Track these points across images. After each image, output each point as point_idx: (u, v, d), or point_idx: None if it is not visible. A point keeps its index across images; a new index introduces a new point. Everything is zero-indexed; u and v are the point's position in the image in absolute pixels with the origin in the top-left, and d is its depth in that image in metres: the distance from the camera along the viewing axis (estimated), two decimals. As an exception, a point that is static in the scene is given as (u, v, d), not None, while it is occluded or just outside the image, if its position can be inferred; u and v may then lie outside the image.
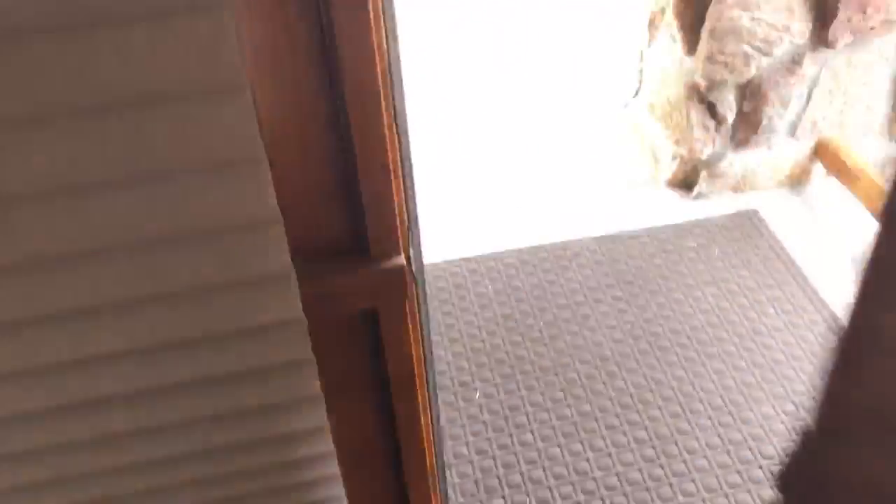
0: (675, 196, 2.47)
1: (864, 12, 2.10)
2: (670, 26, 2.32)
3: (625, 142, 2.72)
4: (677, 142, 2.40)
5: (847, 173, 2.28)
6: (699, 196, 2.43)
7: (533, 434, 1.83)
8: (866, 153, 2.40)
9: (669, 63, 2.37)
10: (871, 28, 2.15)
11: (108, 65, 0.56)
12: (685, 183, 2.46)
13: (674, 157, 2.43)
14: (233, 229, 0.65)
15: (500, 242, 2.34)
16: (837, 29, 2.12)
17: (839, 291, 2.13)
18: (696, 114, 2.29)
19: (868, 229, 2.27)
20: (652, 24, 2.46)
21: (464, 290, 2.19)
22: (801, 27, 2.13)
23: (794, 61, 2.19)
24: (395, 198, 0.70)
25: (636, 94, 2.67)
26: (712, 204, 2.42)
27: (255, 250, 0.67)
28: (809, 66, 2.21)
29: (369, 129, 0.63)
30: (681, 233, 2.34)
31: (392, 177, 0.68)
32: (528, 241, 2.35)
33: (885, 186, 2.17)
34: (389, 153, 0.66)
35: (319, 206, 0.70)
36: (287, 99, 0.63)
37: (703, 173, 2.38)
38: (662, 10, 2.38)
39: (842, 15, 2.10)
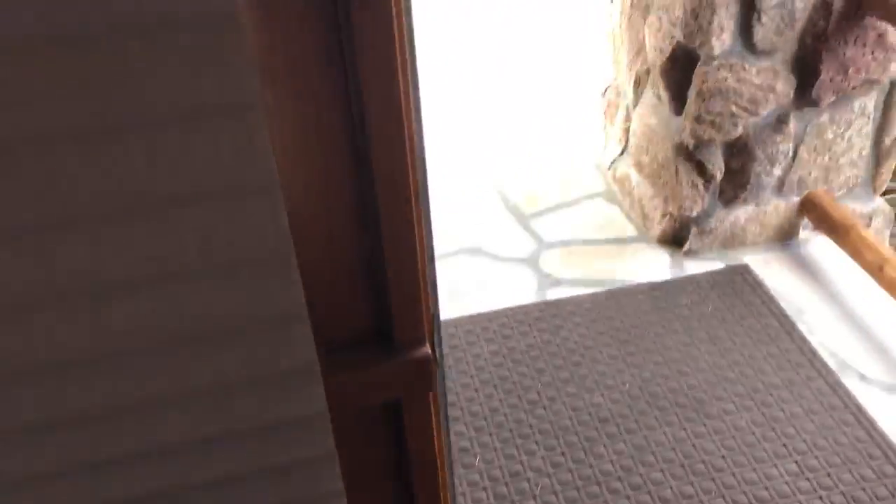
0: (665, 252, 2.48)
1: (846, 73, 2.15)
2: (656, 86, 2.36)
3: (613, 198, 2.75)
4: (666, 199, 2.42)
5: (835, 228, 2.31)
6: (690, 253, 2.44)
7: (535, 500, 1.80)
8: (852, 207, 2.44)
9: (656, 122, 2.40)
10: (853, 88, 2.20)
11: (136, 169, 0.55)
12: (675, 239, 2.47)
13: (663, 215, 2.45)
14: (258, 326, 0.64)
15: (493, 301, 2.33)
16: (821, 89, 2.17)
17: (834, 346, 2.14)
18: (685, 172, 2.32)
19: (857, 282, 2.29)
20: (638, 84, 2.50)
21: (460, 352, 2.17)
22: (785, 87, 2.18)
23: (780, 120, 2.23)
24: (421, 285, 0.69)
25: (623, 152, 2.70)
26: (703, 260, 2.44)
27: (280, 346, 0.65)
28: (795, 124, 2.26)
29: (399, 221, 0.62)
30: (673, 290, 2.35)
31: (419, 266, 0.67)
32: (521, 299, 2.35)
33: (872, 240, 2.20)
34: (417, 241, 0.65)
35: (345, 296, 0.69)
36: (315, 192, 0.62)
37: (693, 230, 2.40)
38: (647, 71, 2.42)
39: (824, 75, 2.15)
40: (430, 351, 0.71)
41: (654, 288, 2.36)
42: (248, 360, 0.66)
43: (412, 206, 0.60)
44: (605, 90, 2.81)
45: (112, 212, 0.57)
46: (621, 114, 2.67)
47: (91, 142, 0.54)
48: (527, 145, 3.08)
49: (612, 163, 2.80)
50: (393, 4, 0.55)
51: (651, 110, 2.43)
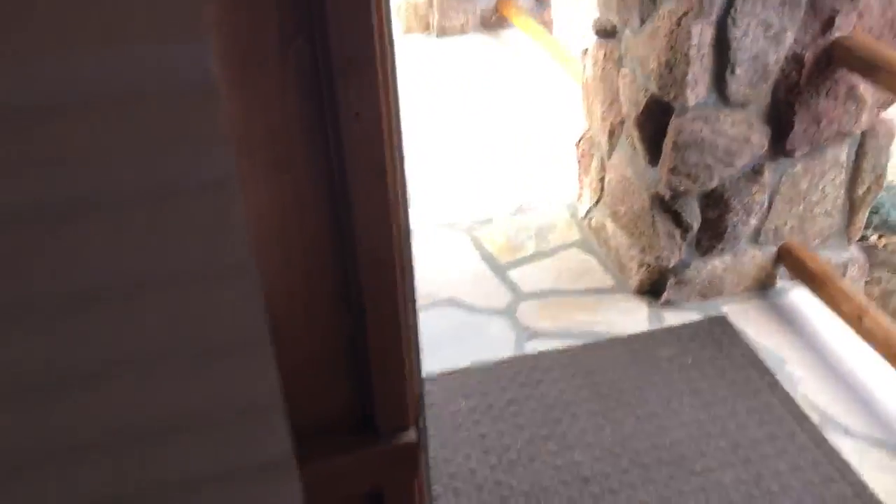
0: (643, 303, 2.46)
1: (819, 124, 2.17)
2: (631, 137, 2.36)
3: (590, 248, 2.72)
4: (643, 250, 2.40)
5: (812, 278, 2.30)
6: (668, 303, 2.42)
7: (517, 567, 1.72)
8: (828, 256, 2.44)
9: (632, 173, 2.40)
10: (826, 139, 2.21)
11: (102, 250, 0.50)
12: (653, 290, 2.45)
13: (640, 265, 2.43)
14: (230, 416, 0.59)
15: (471, 355, 2.28)
16: (795, 140, 2.18)
17: (816, 399, 2.11)
18: (662, 223, 2.30)
19: (837, 332, 2.28)
20: (612, 134, 2.50)
21: (436, 409, 2.11)
22: (759, 138, 2.18)
23: (755, 171, 2.23)
24: (407, 368, 0.64)
25: (598, 201, 2.69)
26: (682, 311, 2.41)
27: (254, 437, 0.60)
28: (769, 175, 2.26)
29: (384, 301, 0.57)
30: (652, 341, 2.32)
31: (405, 348, 0.62)
32: (499, 352, 2.30)
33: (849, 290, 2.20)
34: (403, 321, 0.61)
35: (325, 379, 0.64)
36: (294, 269, 0.57)
37: (671, 280, 2.38)
38: (622, 122, 2.42)
39: (798, 127, 2.15)
40: (415, 436, 0.66)
41: (633, 340, 2.32)
42: (219, 452, 0.60)
43: (398, 286, 0.56)
44: (580, 140, 2.80)
45: (74, 295, 0.51)
46: (596, 164, 2.67)
47: (54, 220, 0.49)
48: (502, 194, 3.06)
49: (587, 212, 2.79)
50: (379, 70, 0.51)
51: (626, 161, 2.43)
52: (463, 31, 4.38)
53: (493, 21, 4.39)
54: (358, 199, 0.52)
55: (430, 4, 4.36)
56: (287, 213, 0.54)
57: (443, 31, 4.36)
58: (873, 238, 3.15)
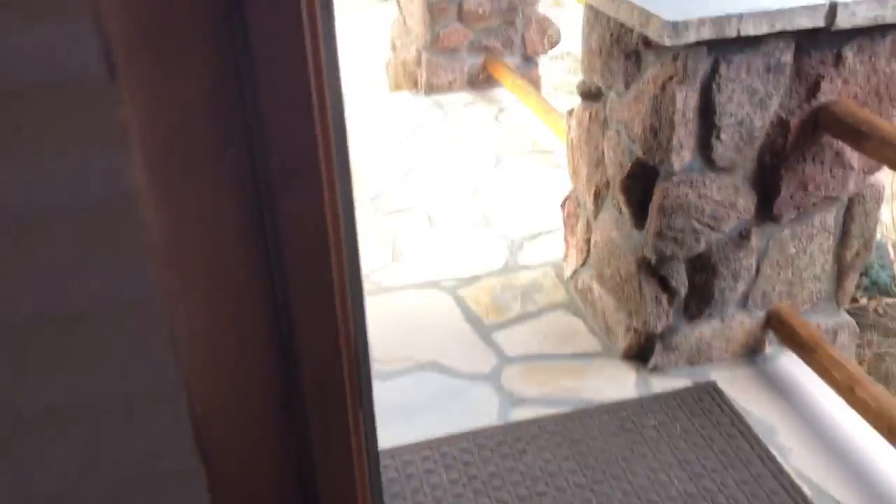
0: (631, 369, 2.40)
1: (806, 190, 2.14)
2: (616, 200, 2.33)
3: (576, 310, 2.67)
4: (630, 314, 2.36)
5: (801, 344, 2.26)
6: (655, 369, 2.36)
7: None
8: (817, 322, 2.39)
9: (617, 235, 2.36)
10: (813, 204, 2.19)
11: (11, 378, 0.45)
12: (640, 355, 2.40)
13: (627, 330, 2.38)
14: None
15: (453, 423, 2.21)
16: (781, 205, 2.15)
17: (808, 471, 2.05)
18: (648, 287, 2.26)
19: (828, 401, 2.22)
20: (597, 196, 2.47)
21: (416, 481, 2.03)
22: (746, 203, 2.16)
23: (742, 235, 2.20)
24: (359, 487, 0.58)
25: (584, 263, 2.65)
26: (669, 377, 2.36)
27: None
28: (757, 240, 2.23)
29: (333, 426, 0.52)
30: (640, 409, 2.25)
31: (356, 465, 0.57)
32: (482, 420, 2.23)
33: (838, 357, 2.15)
34: (353, 440, 0.55)
35: None
36: (232, 392, 0.52)
37: (658, 346, 2.33)
38: (607, 184, 2.39)
39: (784, 192, 2.13)
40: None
41: (620, 408, 2.26)
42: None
43: (348, 410, 0.51)
44: (565, 200, 2.78)
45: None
46: (582, 225, 2.64)
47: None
48: (488, 252, 3.02)
49: (573, 273, 2.75)
50: (324, 177, 0.46)
51: (612, 223, 2.40)
52: (451, 88, 4.39)
53: (481, 79, 4.41)
54: (302, 316, 0.47)
55: (419, 62, 4.38)
56: (224, 332, 0.49)
57: (431, 89, 4.38)
58: (863, 300, 3.12)
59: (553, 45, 4.44)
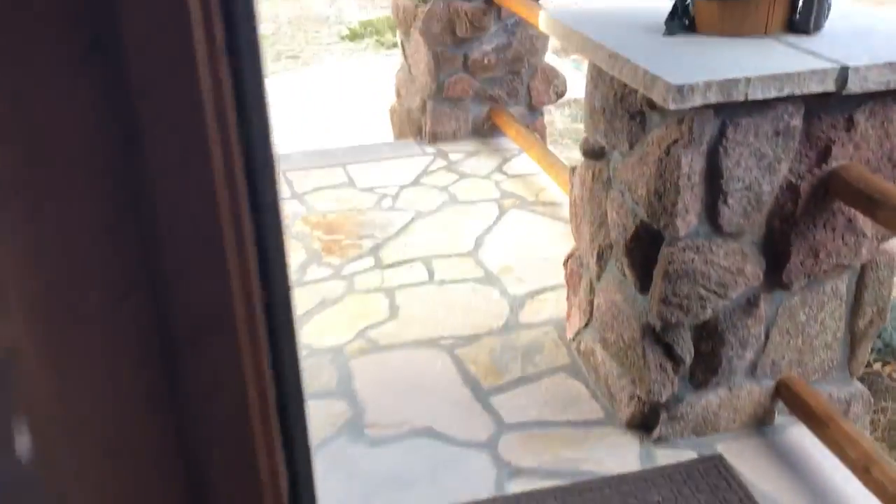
0: (634, 438, 2.30)
1: (816, 257, 2.06)
2: (620, 263, 2.25)
3: (578, 373, 2.58)
4: (634, 382, 2.26)
5: (812, 417, 2.15)
6: (660, 439, 2.26)
7: None
8: (829, 391, 2.29)
9: (621, 299, 2.28)
10: (824, 271, 2.10)
11: None
12: (644, 424, 2.30)
13: (631, 398, 2.29)
14: None
15: (446, 495, 2.11)
16: (791, 272, 2.07)
17: (821, 556, 1.93)
18: (653, 355, 2.17)
19: (841, 477, 2.11)
20: (601, 257, 2.39)
21: (406, 560, 1.93)
22: (754, 269, 2.08)
23: (750, 302, 2.11)
24: None
25: (587, 324, 2.56)
26: (674, 448, 2.25)
27: None
28: (765, 307, 2.14)
29: None
30: (643, 483, 2.15)
31: None
32: (478, 491, 2.13)
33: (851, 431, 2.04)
34: None
35: None
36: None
37: (663, 415, 2.23)
38: (611, 246, 2.32)
39: (794, 259, 2.05)
40: None
41: (622, 481, 2.15)
42: None
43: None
44: (568, 259, 2.70)
45: None
46: (585, 285, 2.55)
47: None
48: (489, 310, 2.94)
49: (576, 334, 2.66)
50: (245, 329, 0.39)
51: (616, 286, 2.31)
52: (455, 137, 4.35)
53: (486, 129, 4.37)
54: (222, 496, 0.40)
55: (424, 110, 4.35)
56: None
57: (435, 138, 4.33)
58: (877, 365, 3.01)
59: (559, 95, 4.40)
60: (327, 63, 7.94)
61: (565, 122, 6.49)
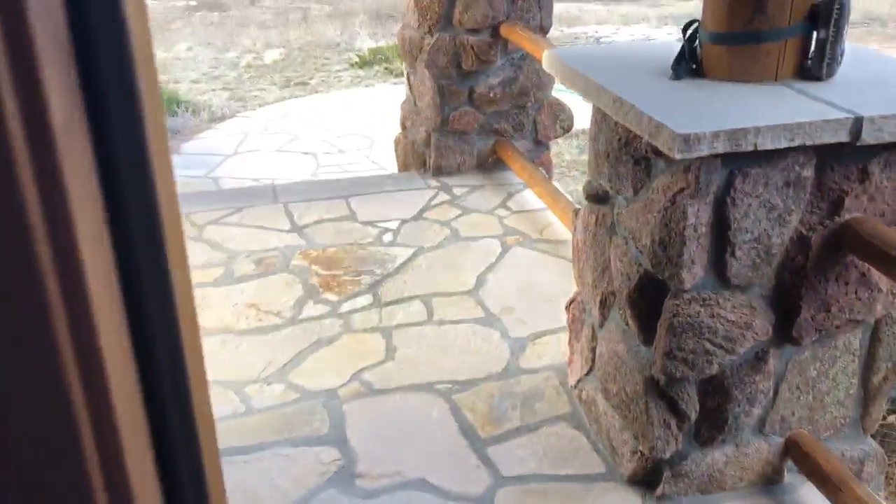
0: (636, 495, 2.20)
1: (828, 311, 1.97)
2: (623, 312, 2.17)
3: (580, 423, 2.49)
4: (637, 436, 2.17)
5: (824, 479, 2.05)
6: (663, 497, 2.16)
7: None
8: (841, 450, 2.19)
9: (624, 350, 2.19)
10: (837, 326, 2.01)
11: None
12: (647, 480, 2.20)
13: (633, 452, 2.19)
14: None
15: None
16: (802, 327, 1.98)
17: None
18: (656, 409, 2.08)
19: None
20: (603, 304, 2.31)
21: None
22: (763, 323, 1.99)
23: (759, 357, 2.03)
24: None
25: (589, 372, 2.47)
26: (678, 508, 2.15)
27: None
28: (774, 362, 2.05)
29: None
30: (645, 545, 2.05)
31: None
32: (471, 551, 2.03)
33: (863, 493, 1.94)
34: None
35: None
36: None
37: (667, 473, 2.13)
38: (613, 293, 2.24)
39: (805, 313, 1.96)
40: None
41: (623, 543, 2.05)
42: None
43: None
44: (570, 303, 2.62)
45: None
46: (587, 332, 2.47)
47: None
48: (489, 353, 2.85)
49: (577, 382, 2.57)
50: None
51: (618, 336, 2.23)
52: (460, 171, 4.29)
53: (491, 163, 4.30)
54: None
55: (427, 143, 4.29)
56: None
57: (439, 171, 4.27)
58: (891, 418, 2.90)
59: (566, 130, 4.34)
60: (335, 90, 7.92)
61: (573, 154, 6.43)
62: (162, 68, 8.61)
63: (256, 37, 10.36)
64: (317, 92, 7.84)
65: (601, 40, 10.83)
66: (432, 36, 4.03)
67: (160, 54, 9.29)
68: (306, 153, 5.93)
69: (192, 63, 8.99)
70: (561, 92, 4.15)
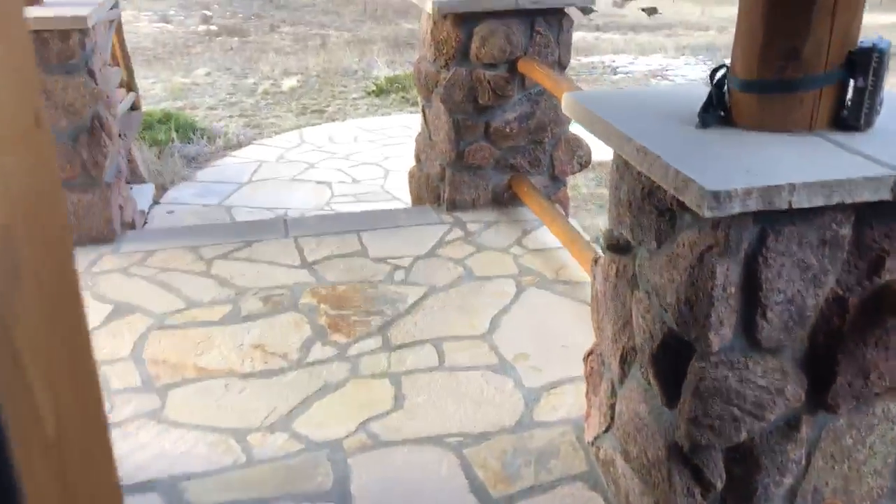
0: (657, 568, 2.06)
1: (867, 378, 1.84)
2: (645, 371, 2.04)
3: (597, 483, 2.35)
4: (658, 503, 2.04)
5: (861, 556, 1.91)
6: (686, 571, 2.02)
7: None
8: (877, 523, 2.05)
9: (646, 411, 2.06)
10: (876, 394, 1.88)
11: None
12: (668, 551, 2.06)
13: (654, 522, 2.06)
14: None
15: None
16: (838, 394, 1.85)
17: None
18: (679, 477, 1.95)
19: None
20: (624, 360, 2.19)
21: None
22: (795, 389, 1.86)
23: (790, 425, 1.89)
24: None
25: (607, 429, 2.34)
26: (702, 582, 2.01)
27: None
28: (807, 430, 1.91)
29: None
30: None
31: None
32: None
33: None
34: None
35: None
36: None
37: (690, 545, 1.99)
38: (634, 349, 2.11)
39: (841, 379, 1.83)
40: None
41: None
42: None
43: None
44: (588, 355, 2.49)
45: None
46: (606, 386, 2.34)
47: None
48: (502, 404, 2.73)
49: (595, 438, 2.44)
50: None
51: (640, 395, 2.10)
52: (474, 206, 4.19)
53: (506, 198, 4.20)
54: None
55: (442, 177, 4.20)
56: None
57: (453, 206, 4.17)
58: (926, 481, 2.74)
59: (583, 166, 4.24)
60: (351, 118, 7.87)
61: (590, 187, 6.31)
62: (180, 94, 8.61)
63: (275, 63, 10.36)
64: (333, 120, 7.78)
65: (618, 70, 10.76)
66: (448, 70, 3.95)
67: (179, 79, 9.30)
68: (321, 182, 5.85)
69: (210, 89, 8.98)
70: (579, 126, 4.05)
